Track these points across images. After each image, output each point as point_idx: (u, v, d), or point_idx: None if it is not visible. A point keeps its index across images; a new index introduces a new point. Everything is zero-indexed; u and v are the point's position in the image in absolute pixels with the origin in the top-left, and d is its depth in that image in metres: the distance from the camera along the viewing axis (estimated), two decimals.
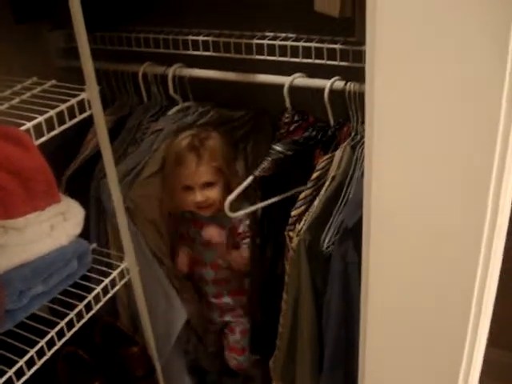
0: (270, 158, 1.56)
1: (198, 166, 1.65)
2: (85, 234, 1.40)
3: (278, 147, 1.56)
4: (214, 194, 1.69)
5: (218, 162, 1.67)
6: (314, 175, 1.50)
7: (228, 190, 1.66)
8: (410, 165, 0.93)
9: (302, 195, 1.50)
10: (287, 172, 1.59)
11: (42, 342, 1.28)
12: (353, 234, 1.41)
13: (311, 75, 1.59)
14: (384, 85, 0.89)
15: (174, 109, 1.77)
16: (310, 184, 1.50)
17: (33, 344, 1.28)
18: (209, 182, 1.68)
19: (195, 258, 1.85)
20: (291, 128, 1.62)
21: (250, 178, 1.58)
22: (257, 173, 1.57)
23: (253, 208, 1.65)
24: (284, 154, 1.55)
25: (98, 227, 1.72)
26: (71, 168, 1.70)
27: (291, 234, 1.49)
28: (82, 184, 1.67)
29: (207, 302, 1.92)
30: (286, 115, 1.62)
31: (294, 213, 1.50)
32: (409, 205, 0.96)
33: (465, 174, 0.88)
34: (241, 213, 1.63)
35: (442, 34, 0.81)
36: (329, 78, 1.53)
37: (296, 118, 1.62)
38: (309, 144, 1.59)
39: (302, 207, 1.50)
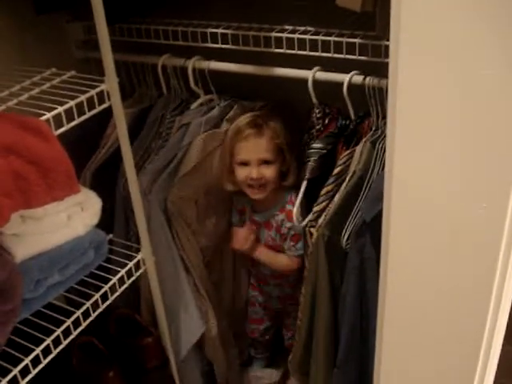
0: (314, 158, 1.55)
1: (258, 142, 1.66)
2: (109, 229, 1.41)
3: (318, 144, 1.55)
4: (269, 173, 1.67)
5: (280, 140, 1.67)
6: (336, 170, 1.50)
7: (282, 175, 1.68)
8: (431, 161, 0.92)
9: (324, 191, 1.50)
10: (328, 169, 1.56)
11: (58, 331, 1.29)
12: (370, 229, 1.40)
13: (328, 69, 1.58)
14: (407, 82, 0.88)
15: (197, 102, 1.77)
16: (331, 179, 1.50)
17: (49, 333, 1.28)
18: (266, 159, 1.67)
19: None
20: (326, 121, 1.61)
21: (305, 184, 1.57)
22: (308, 175, 1.56)
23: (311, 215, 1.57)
24: (326, 149, 1.55)
25: (127, 225, 1.73)
26: (95, 162, 1.70)
27: (312, 230, 1.48)
28: (106, 178, 1.69)
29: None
30: (317, 110, 1.60)
31: (315, 208, 1.50)
32: (429, 202, 0.95)
33: (488, 172, 0.88)
34: (307, 220, 1.57)
35: (466, 32, 0.80)
36: (346, 73, 1.52)
37: (327, 110, 1.60)
38: (341, 135, 1.58)
39: (324, 203, 1.50)
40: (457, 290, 1.00)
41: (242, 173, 1.70)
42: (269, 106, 1.77)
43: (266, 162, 1.67)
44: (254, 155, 1.67)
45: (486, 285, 0.95)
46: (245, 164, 1.69)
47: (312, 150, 1.55)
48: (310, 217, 1.50)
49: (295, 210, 1.56)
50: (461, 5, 0.79)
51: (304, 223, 1.54)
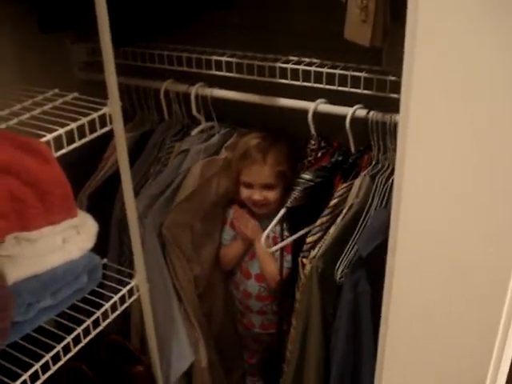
0: (300, 188, 1.55)
1: (262, 168, 1.70)
2: (102, 252, 1.40)
3: (306, 175, 1.55)
4: (272, 195, 1.73)
5: (284, 167, 1.71)
6: (332, 202, 1.49)
7: (286, 194, 1.68)
8: (439, 200, 0.91)
9: (319, 222, 1.49)
10: (315, 200, 1.57)
11: (47, 357, 1.26)
12: (366, 264, 1.40)
13: (331, 101, 1.58)
14: (418, 120, 0.87)
15: (197, 129, 1.78)
16: (327, 211, 1.49)
17: (38, 358, 1.26)
18: (268, 184, 1.71)
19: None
20: (319, 155, 1.62)
21: (283, 211, 1.59)
22: (289, 204, 1.57)
23: (284, 243, 1.65)
24: (314, 182, 1.55)
25: (121, 249, 1.71)
26: (92, 185, 1.69)
27: (304, 260, 1.47)
28: (103, 201, 1.67)
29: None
30: (312, 142, 1.61)
31: (309, 239, 1.49)
32: (436, 238, 0.94)
33: (496, 208, 0.87)
34: (276, 247, 1.66)
35: (478, 73, 0.79)
36: (350, 106, 1.52)
37: (323, 144, 1.61)
38: (335, 169, 1.58)
39: (318, 234, 1.49)
40: (461, 329, 0.99)
41: (245, 193, 1.76)
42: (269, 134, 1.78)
43: (268, 186, 1.72)
44: (257, 180, 1.72)
45: (492, 324, 0.94)
46: (248, 185, 1.73)
47: (299, 180, 1.57)
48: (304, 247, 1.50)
49: (264, 236, 1.61)
50: (475, 45, 0.78)
51: (271, 250, 1.65)
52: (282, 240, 1.66)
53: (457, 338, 1.00)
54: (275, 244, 1.70)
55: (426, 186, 0.91)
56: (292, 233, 1.64)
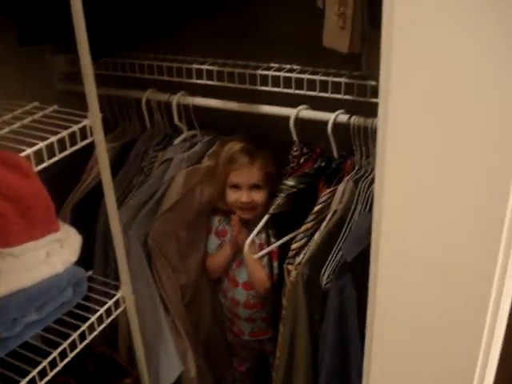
0: (283, 194, 1.56)
1: (250, 169, 1.71)
2: (87, 264, 1.39)
3: (289, 182, 1.56)
4: (259, 197, 1.73)
5: (271, 168, 1.71)
6: (316, 208, 1.49)
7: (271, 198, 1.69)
8: (420, 202, 0.92)
9: (303, 228, 1.49)
10: (299, 206, 1.57)
11: (34, 373, 1.25)
12: (351, 269, 1.40)
13: (314, 107, 1.59)
14: (397, 124, 0.87)
15: (180, 137, 1.77)
16: (311, 217, 1.49)
17: (24, 374, 1.24)
18: (257, 184, 1.71)
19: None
20: (301, 160, 1.62)
21: (266, 217, 1.60)
22: (272, 210, 1.58)
23: (268, 249, 1.66)
24: (297, 188, 1.55)
25: (106, 261, 1.70)
26: (75, 197, 1.68)
27: (290, 267, 1.47)
28: (86, 213, 1.66)
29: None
30: (295, 148, 1.62)
31: (294, 246, 1.49)
32: (419, 242, 0.95)
33: (476, 210, 0.88)
34: (261, 254, 1.67)
35: (455, 75, 0.80)
36: (332, 111, 1.52)
37: (305, 150, 1.62)
38: (319, 175, 1.58)
39: (303, 240, 1.49)
40: (447, 330, 0.99)
41: (232, 196, 1.75)
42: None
43: (256, 187, 1.72)
44: (245, 181, 1.72)
45: (478, 325, 0.94)
46: (236, 187, 1.73)
47: (283, 186, 1.57)
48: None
49: (247, 242, 1.64)
50: (452, 46, 0.79)
51: (256, 256, 1.66)
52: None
53: (443, 339, 1.01)
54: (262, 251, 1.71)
55: (406, 188, 0.92)
56: (278, 239, 1.63)
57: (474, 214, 0.88)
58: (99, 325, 1.43)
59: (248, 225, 1.79)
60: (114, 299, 1.48)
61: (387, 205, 0.94)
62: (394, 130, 0.88)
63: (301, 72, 1.57)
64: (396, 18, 0.81)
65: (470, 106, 0.81)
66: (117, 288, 1.52)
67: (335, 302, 1.42)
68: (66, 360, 1.34)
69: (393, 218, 0.95)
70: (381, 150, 0.91)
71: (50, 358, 1.29)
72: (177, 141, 1.76)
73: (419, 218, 0.93)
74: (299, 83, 1.56)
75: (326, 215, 1.49)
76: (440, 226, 0.91)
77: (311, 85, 1.55)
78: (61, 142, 1.24)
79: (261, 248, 1.74)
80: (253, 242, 1.69)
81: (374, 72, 1.31)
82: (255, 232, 1.61)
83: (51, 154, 1.22)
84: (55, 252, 1.26)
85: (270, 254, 1.72)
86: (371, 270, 1.03)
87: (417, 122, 0.86)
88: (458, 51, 0.79)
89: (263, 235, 1.72)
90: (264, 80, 1.60)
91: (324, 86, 1.53)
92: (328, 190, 1.51)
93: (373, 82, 1.42)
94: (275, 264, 1.72)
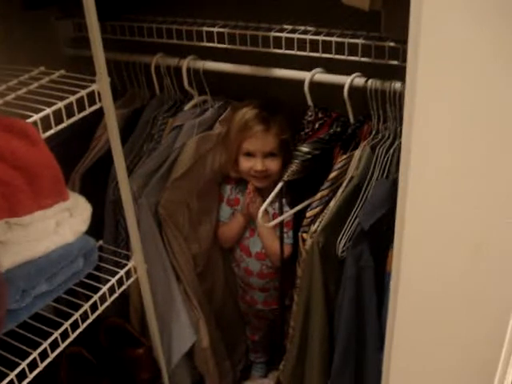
0: (297, 161, 1.52)
1: (266, 137, 1.67)
2: (98, 234, 1.37)
3: (304, 148, 1.52)
4: (274, 165, 1.70)
5: (287, 135, 1.68)
6: (332, 175, 1.46)
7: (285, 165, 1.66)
8: (449, 168, 0.87)
9: (318, 195, 1.46)
10: (314, 173, 1.54)
11: (45, 344, 1.24)
12: (368, 237, 1.37)
13: (328, 70, 1.54)
14: (427, 88, 0.82)
15: (190, 103, 1.73)
16: (326, 184, 1.46)
17: (35, 345, 1.23)
18: (272, 152, 1.68)
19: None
20: (316, 126, 1.58)
21: (280, 184, 1.56)
22: (286, 177, 1.55)
23: (283, 217, 1.63)
24: (311, 154, 1.51)
25: (116, 230, 1.68)
26: (84, 165, 1.65)
27: (305, 235, 1.44)
28: (95, 181, 1.63)
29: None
30: (309, 113, 1.57)
31: (308, 214, 1.46)
32: (445, 213, 0.91)
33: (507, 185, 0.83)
34: (274, 222, 1.62)
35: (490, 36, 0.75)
36: (348, 74, 1.48)
37: (320, 115, 1.57)
38: (334, 141, 1.54)
39: (318, 208, 1.46)
40: (474, 310, 0.96)
41: (246, 164, 1.71)
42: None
43: (271, 155, 1.69)
44: (260, 149, 1.68)
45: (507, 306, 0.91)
46: (250, 155, 1.69)
47: (297, 153, 1.53)
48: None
49: (260, 211, 1.57)
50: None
51: (269, 225, 1.61)
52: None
53: (468, 320, 0.97)
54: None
55: (434, 155, 0.87)
56: (292, 208, 1.61)
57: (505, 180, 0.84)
58: (111, 295, 1.42)
59: (261, 193, 1.76)
60: (126, 269, 1.46)
61: (413, 174, 0.90)
62: (422, 94, 0.83)
63: (315, 33, 1.52)
64: None
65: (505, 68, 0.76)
66: (128, 258, 1.51)
67: (352, 271, 1.40)
68: (78, 331, 1.33)
69: (419, 187, 0.90)
70: (408, 117, 0.86)
71: (61, 330, 1.28)
72: (187, 107, 1.72)
73: (447, 190, 0.88)
74: (314, 45, 1.51)
75: (342, 182, 1.46)
76: (468, 198, 0.87)
77: (327, 47, 1.49)
78: (68, 107, 1.21)
79: (275, 217, 1.71)
80: (266, 211, 1.66)
81: (394, 33, 1.26)
82: (269, 200, 1.56)
83: (59, 121, 1.19)
84: (65, 221, 1.24)
85: (284, 223, 1.69)
86: (395, 243, 0.99)
87: (449, 84, 0.81)
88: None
89: (277, 204, 1.69)
90: (277, 42, 1.55)
91: (340, 48, 1.48)
92: (344, 156, 1.47)
93: (392, 43, 1.37)
94: (290, 233, 1.70)
